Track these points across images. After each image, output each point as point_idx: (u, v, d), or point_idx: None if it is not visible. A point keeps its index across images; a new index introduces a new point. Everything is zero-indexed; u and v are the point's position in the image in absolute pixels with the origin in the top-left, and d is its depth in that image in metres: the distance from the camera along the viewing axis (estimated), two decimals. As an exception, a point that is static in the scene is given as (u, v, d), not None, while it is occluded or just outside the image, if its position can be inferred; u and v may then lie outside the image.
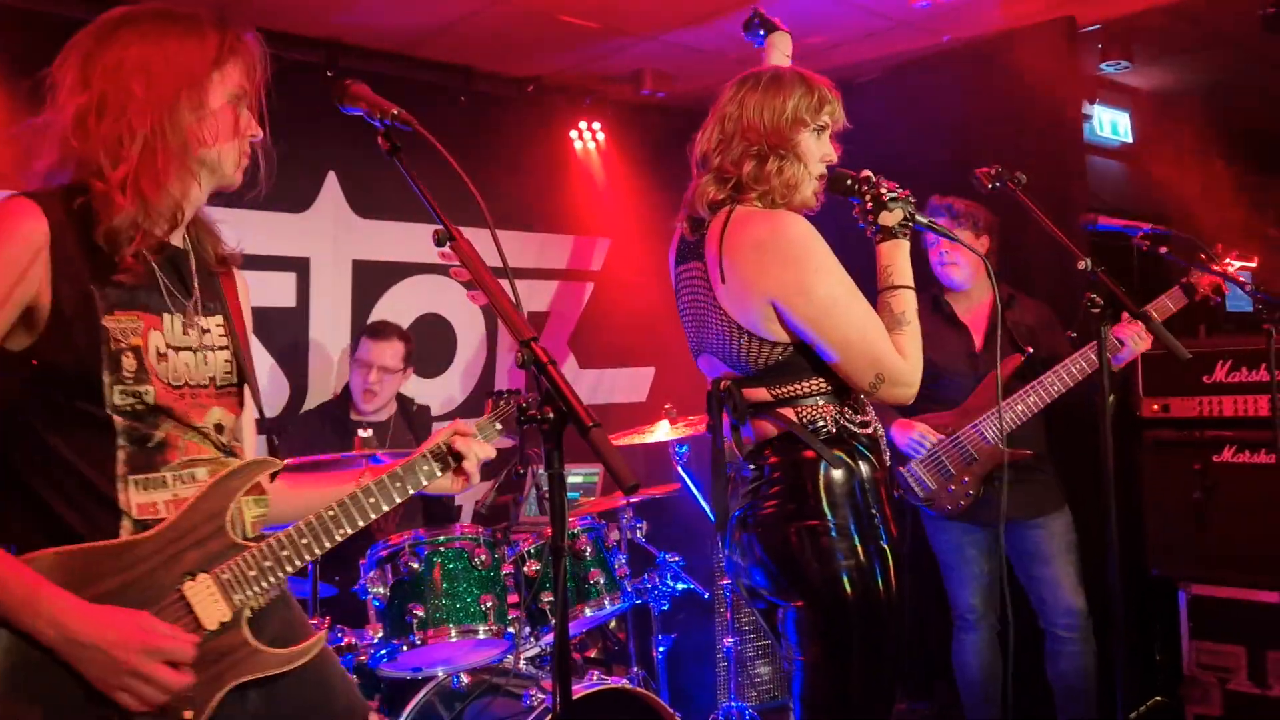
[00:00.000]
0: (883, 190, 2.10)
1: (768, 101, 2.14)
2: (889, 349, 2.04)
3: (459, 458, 1.79)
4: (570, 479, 4.43)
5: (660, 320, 5.22)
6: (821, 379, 2.09)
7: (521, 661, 3.09)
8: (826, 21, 4.14)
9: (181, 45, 1.62)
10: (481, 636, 2.89)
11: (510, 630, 2.94)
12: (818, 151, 2.17)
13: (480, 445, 1.82)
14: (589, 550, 3.14)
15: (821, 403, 2.08)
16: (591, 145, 5.01)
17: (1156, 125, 5.28)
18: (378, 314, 4.38)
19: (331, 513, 1.67)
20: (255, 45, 1.71)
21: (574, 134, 4.96)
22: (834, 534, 2.01)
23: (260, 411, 1.84)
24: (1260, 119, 5.67)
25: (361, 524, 1.69)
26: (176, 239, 1.70)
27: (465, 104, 4.52)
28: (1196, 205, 4.89)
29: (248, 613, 1.61)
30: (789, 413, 2.07)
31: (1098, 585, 3.42)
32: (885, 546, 2.05)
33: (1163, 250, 2.97)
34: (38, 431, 1.54)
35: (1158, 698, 3.93)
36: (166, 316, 1.63)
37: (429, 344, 4.45)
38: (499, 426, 1.92)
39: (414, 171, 1.63)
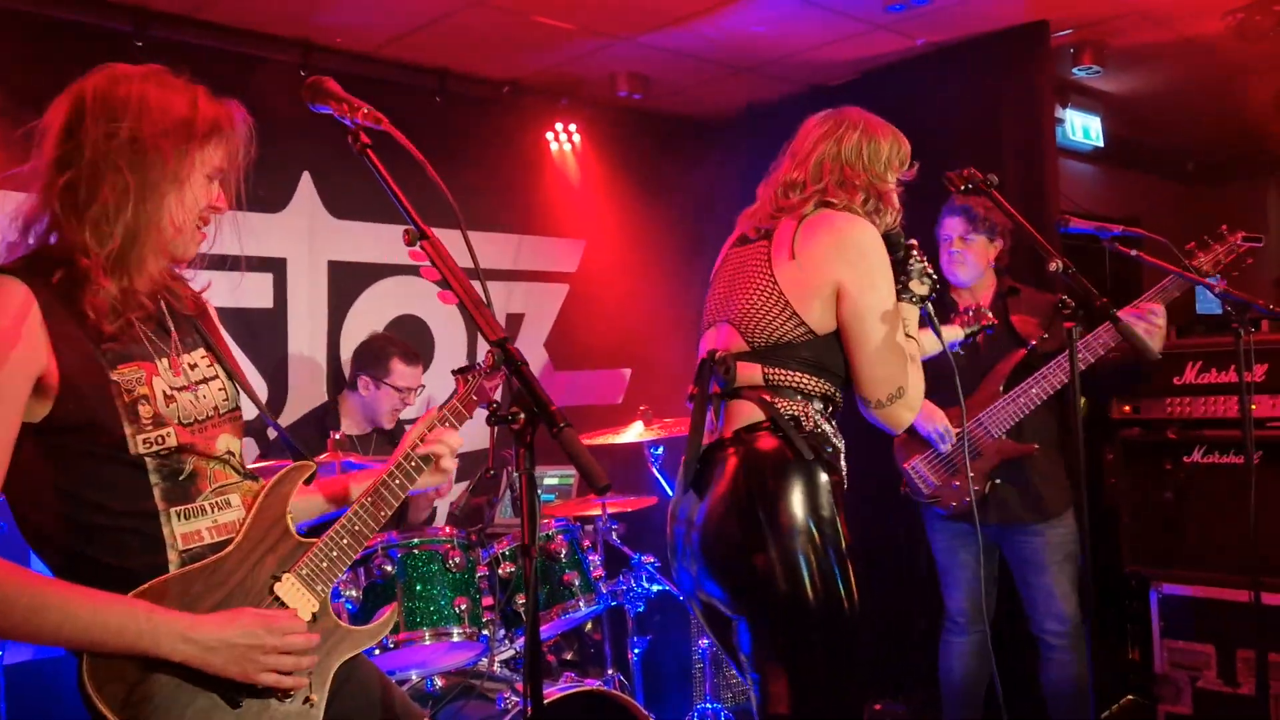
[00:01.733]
0: (924, 264, 2.23)
1: (866, 143, 2.28)
2: (909, 368, 2.14)
3: (429, 459, 1.89)
4: (546, 481, 4.42)
5: (636, 322, 5.24)
6: (818, 379, 2.15)
7: (496, 664, 3.08)
8: (800, 24, 4.15)
9: (170, 130, 1.64)
10: (456, 639, 2.87)
11: (485, 633, 2.93)
12: (894, 200, 2.30)
13: (448, 438, 1.91)
14: (564, 552, 3.14)
15: (802, 401, 2.13)
16: (568, 147, 5.00)
17: (1128, 130, 5.34)
18: (355, 315, 4.36)
19: (371, 497, 1.81)
20: (243, 125, 1.74)
21: (550, 136, 4.95)
22: (795, 532, 2.01)
23: (270, 420, 1.94)
24: (1228, 124, 5.74)
25: (395, 504, 1.84)
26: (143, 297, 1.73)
27: (441, 105, 4.51)
28: (1167, 211, 4.94)
29: (327, 601, 1.75)
30: (772, 399, 2.11)
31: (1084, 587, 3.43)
32: (845, 552, 2.04)
33: (1134, 253, 2.98)
34: (71, 494, 1.58)
35: (1130, 696, 3.96)
36: (159, 362, 1.68)
37: (406, 346, 4.42)
38: (474, 397, 1.95)
39: (385, 169, 1.62)
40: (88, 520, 1.58)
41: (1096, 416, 3.97)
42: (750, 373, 2.16)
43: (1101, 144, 5.36)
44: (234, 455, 1.77)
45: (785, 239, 2.20)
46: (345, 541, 1.77)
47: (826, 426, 2.15)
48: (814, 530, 2.02)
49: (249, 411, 1.87)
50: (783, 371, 2.14)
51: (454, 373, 2.04)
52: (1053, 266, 2.10)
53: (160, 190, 1.63)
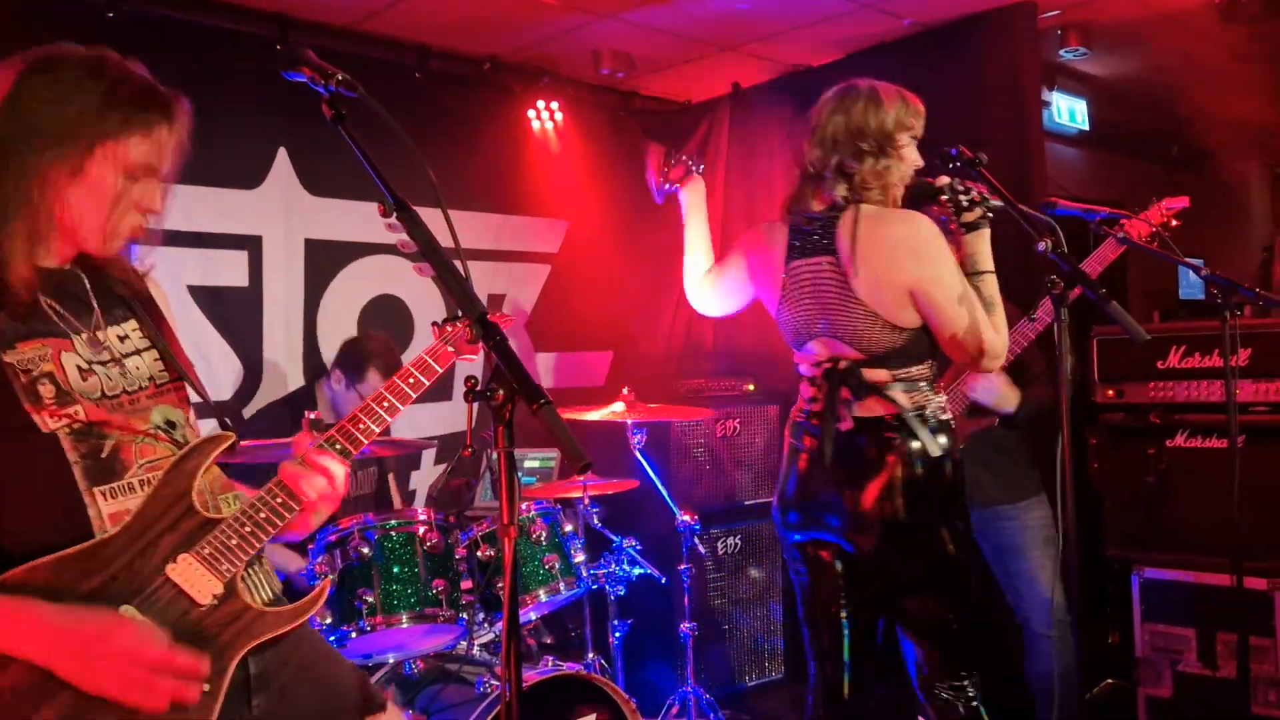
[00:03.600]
0: (960, 194, 2.35)
1: (873, 108, 2.44)
2: (989, 328, 2.34)
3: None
4: (526, 464, 4.38)
5: (619, 304, 5.20)
6: (926, 364, 2.43)
7: (475, 647, 3.05)
8: (787, 2, 4.11)
9: (76, 119, 1.57)
10: (434, 622, 2.84)
11: (463, 616, 2.90)
12: (912, 156, 2.47)
13: (312, 479, 1.70)
14: (544, 535, 3.10)
15: (923, 386, 2.41)
16: (550, 126, 4.94)
17: (1114, 113, 5.33)
18: (332, 294, 4.30)
19: (278, 485, 1.68)
20: (180, 126, 1.65)
21: (532, 114, 4.89)
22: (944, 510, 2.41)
23: (204, 397, 1.79)
24: (1216, 108, 5.73)
25: (297, 505, 1.68)
26: (65, 265, 1.67)
27: (421, 82, 4.44)
28: (1151, 193, 4.93)
29: (240, 582, 1.63)
30: (900, 395, 2.37)
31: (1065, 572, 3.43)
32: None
33: (1118, 235, 2.97)
34: None
35: (1110, 680, 3.96)
36: (75, 338, 1.61)
37: (385, 326, 4.37)
38: (451, 348, 1.81)
39: (360, 141, 1.58)
40: (14, 503, 1.52)
41: (1078, 400, 3.96)
42: (876, 375, 2.40)
43: (1087, 127, 5.34)
44: (175, 427, 1.68)
45: (847, 255, 2.38)
46: (262, 515, 1.64)
47: (935, 398, 2.43)
48: (952, 508, 2.43)
49: (224, 392, 1.81)
50: (902, 370, 2.39)
51: (433, 324, 1.87)
52: (1041, 246, 2.08)
53: (54, 179, 1.56)
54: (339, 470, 1.72)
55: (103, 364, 1.62)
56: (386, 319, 4.44)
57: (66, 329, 1.61)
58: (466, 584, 2.94)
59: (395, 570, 2.81)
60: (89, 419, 1.56)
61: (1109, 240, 3.06)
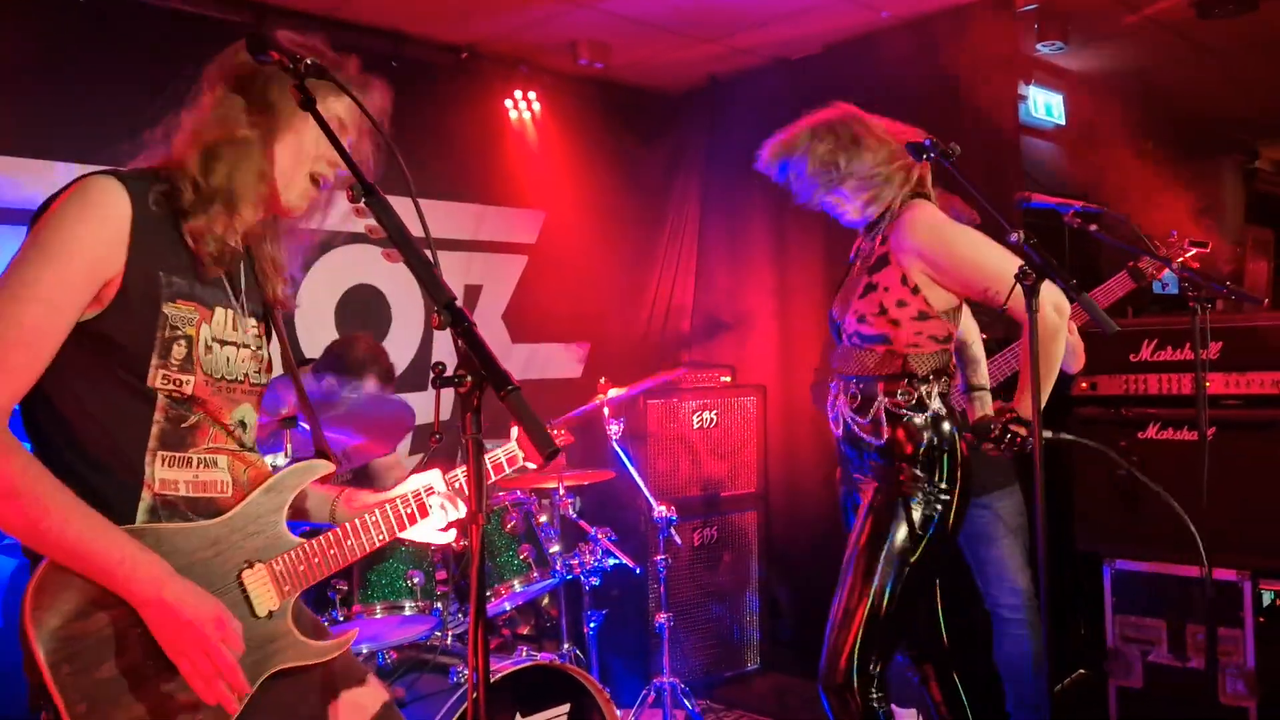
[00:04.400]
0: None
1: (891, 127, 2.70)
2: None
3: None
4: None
5: (596, 295, 5.19)
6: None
7: (450, 638, 3.04)
8: (766, -6, 4.11)
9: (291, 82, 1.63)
10: (408, 613, 2.83)
11: (438, 606, 2.89)
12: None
13: (442, 511, 1.90)
14: (519, 525, 3.10)
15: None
16: (527, 115, 4.92)
17: (1089, 107, 5.35)
18: (308, 284, 4.27)
19: (374, 518, 1.81)
20: (377, 95, 1.83)
21: (509, 103, 4.86)
22: None
23: (311, 422, 1.95)
24: (1190, 103, 5.78)
25: (396, 533, 1.84)
26: (240, 243, 1.77)
27: (396, 70, 4.41)
28: (1126, 188, 4.96)
29: (290, 604, 1.72)
30: None
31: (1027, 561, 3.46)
32: None
33: (1093, 228, 2.98)
34: (80, 396, 1.58)
35: (1082, 670, 4.00)
36: (219, 310, 1.70)
37: (362, 316, 4.35)
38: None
39: (330, 124, 1.57)
40: (84, 432, 1.57)
41: (1052, 392, 3.99)
42: None
43: (1064, 122, 5.37)
44: (245, 428, 1.76)
45: None
46: (332, 552, 1.75)
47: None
48: None
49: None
50: None
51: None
52: (1013, 238, 2.08)
53: (273, 132, 1.69)
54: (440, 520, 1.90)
55: (226, 345, 1.70)
56: (364, 308, 4.42)
57: (214, 300, 1.70)
58: (441, 575, 2.93)
59: (370, 560, 2.80)
60: (192, 393, 1.63)
61: (1121, 274, 3.09)
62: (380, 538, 1.81)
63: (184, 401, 1.64)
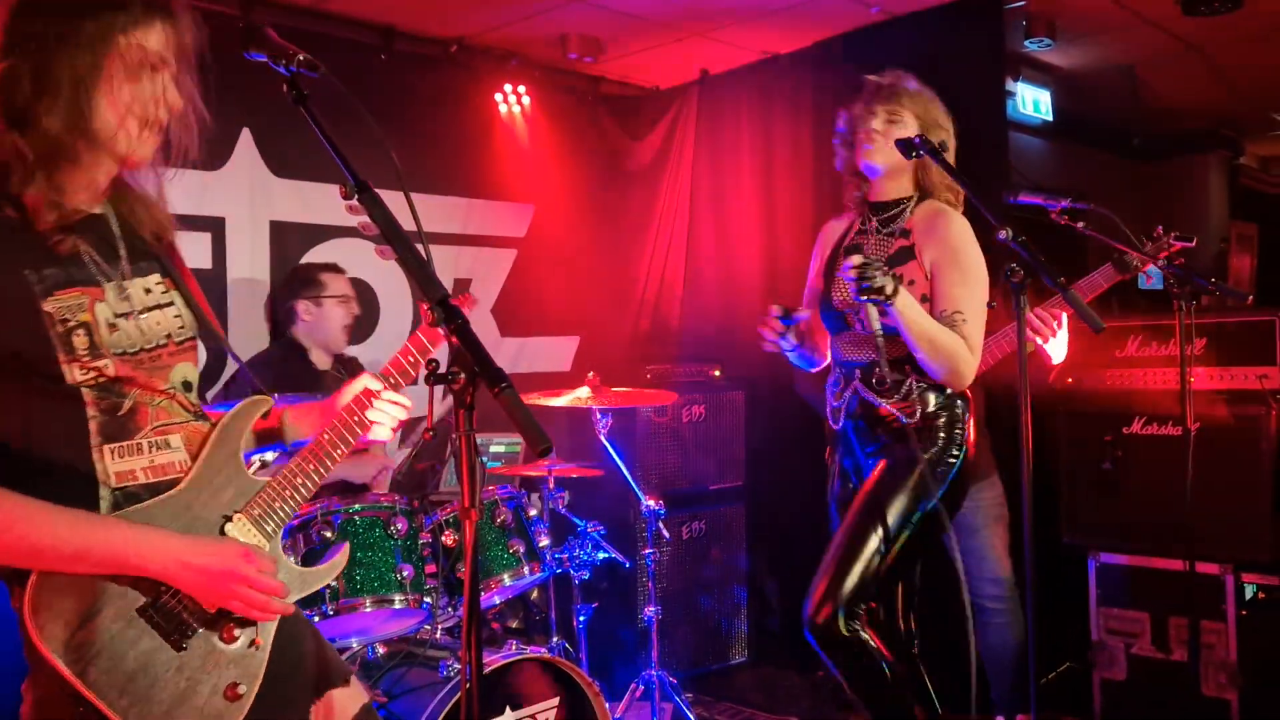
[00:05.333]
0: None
1: None
2: None
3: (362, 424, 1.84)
4: (492, 449, 4.37)
5: (585, 289, 5.20)
6: None
7: (439, 632, 3.05)
8: (756, -11, 4.11)
9: (93, 9, 1.56)
10: (397, 606, 2.83)
11: (427, 600, 2.90)
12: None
13: (390, 407, 1.86)
14: (509, 519, 3.10)
15: None
16: (517, 109, 4.91)
17: (1076, 105, 5.38)
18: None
19: (327, 436, 1.79)
20: (183, 11, 1.65)
21: (499, 97, 4.86)
22: None
23: (233, 355, 1.90)
24: (1176, 99, 5.81)
25: (352, 441, 1.81)
26: (96, 207, 1.66)
27: (386, 63, 4.40)
28: (1112, 184, 4.99)
29: (277, 542, 1.75)
30: None
31: (1013, 555, 3.49)
32: None
33: (1080, 225, 3.00)
34: (5, 415, 1.52)
35: (1067, 663, 4.03)
36: (106, 286, 1.60)
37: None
38: (415, 357, 1.89)
39: (323, 122, 1.57)
40: (22, 450, 1.53)
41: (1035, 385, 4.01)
42: None
43: (1051, 118, 5.39)
44: (190, 389, 1.72)
45: None
46: (298, 480, 1.75)
47: None
48: None
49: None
50: None
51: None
52: (1002, 235, 2.10)
53: (86, 78, 1.55)
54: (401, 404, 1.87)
55: (127, 317, 1.62)
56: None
57: (98, 275, 1.60)
58: (431, 568, 2.94)
59: (359, 554, 2.80)
60: (115, 374, 1.58)
61: (1106, 266, 3.10)
62: (339, 452, 1.79)
63: (111, 385, 1.58)
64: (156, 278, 1.70)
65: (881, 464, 2.68)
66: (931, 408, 2.66)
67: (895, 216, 2.71)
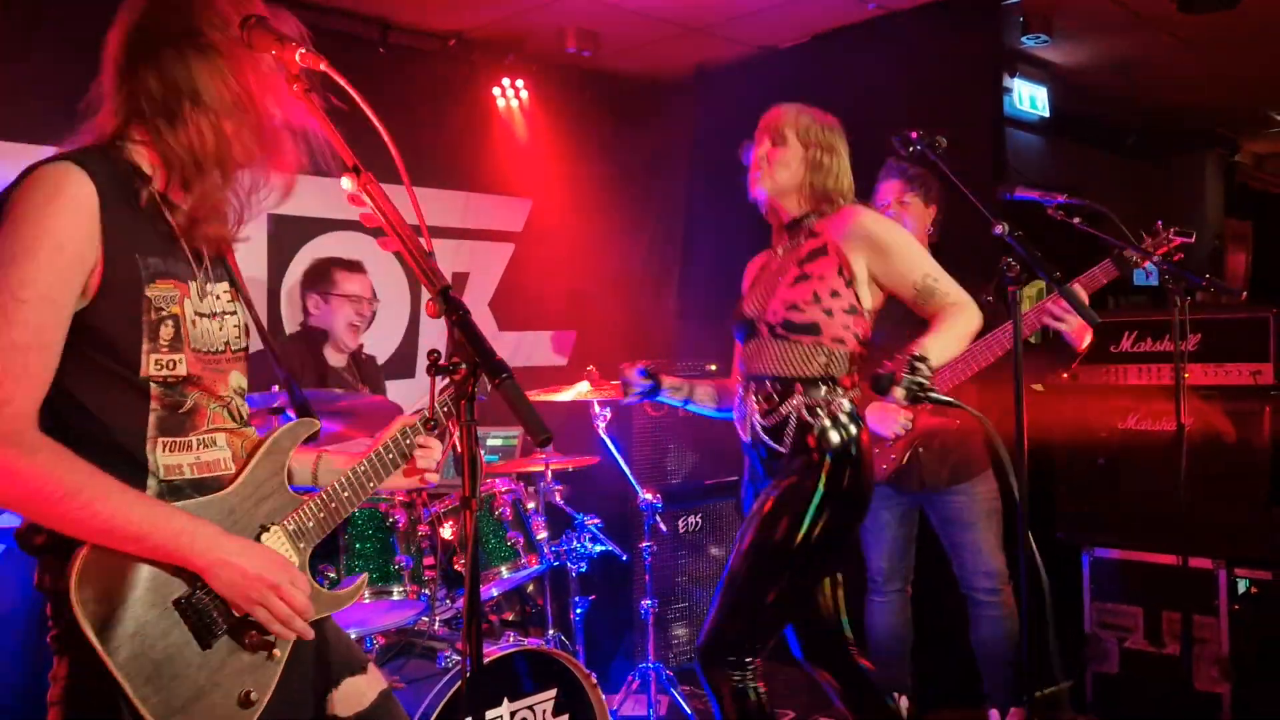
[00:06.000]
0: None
1: None
2: None
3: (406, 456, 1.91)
4: (489, 442, 4.38)
5: (583, 283, 5.20)
6: None
7: (437, 623, 3.06)
8: (754, -16, 4.12)
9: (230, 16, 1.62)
10: (396, 598, 2.85)
11: (426, 592, 2.91)
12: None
13: (433, 446, 1.94)
14: (507, 512, 3.12)
15: None
16: (515, 103, 4.92)
17: (1072, 102, 5.39)
18: (296, 269, 4.27)
19: (364, 468, 1.84)
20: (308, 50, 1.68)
21: (497, 91, 4.86)
22: None
23: (280, 371, 1.93)
24: (1173, 97, 5.83)
25: (385, 478, 1.88)
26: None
27: (384, 57, 4.40)
28: (1109, 181, 5.01)
29: (307, 560, 1.77)
30: None
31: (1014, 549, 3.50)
32: None
33: (1076, 221, 3.01)
34: (71, 392, 1.56)
35: (1066, 683, 4.03)
36: (192, 284, 1.67)
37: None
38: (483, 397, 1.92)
39: (323, 112, 1.58)
40: (80, 427, 1.56)
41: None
42: None
43: (1048, 114, 5.40)
44: (241, 395, 1.77)
45: None
46: (333, 505, 1.80)
47: None
48: None
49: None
50: None
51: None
52: (998, 230, 2.12)
53: (235, 105, 1.63)
54: (437, 449, 1.93)
55: (207, 317, 1.68)
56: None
57: (190, 273, 1.67)
58: (429, 560, 2.95)
59: (358, 546, 2.81)
60: (188, 371, 1.63)
61: (1105, 262, 3.09)
62: (372, 485, 1.86)
63: (178, 384, 1.63)
64: (225, 285, 1.77)
65: (770, 500, 2.55)
66: (812, 438, 2.52)
67: (801, 223, 2.69)
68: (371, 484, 1.85)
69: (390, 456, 1.87)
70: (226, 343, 1.73)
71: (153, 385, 1.60)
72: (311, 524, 1.77)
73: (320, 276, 3.76)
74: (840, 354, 2.56)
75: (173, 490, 1.63)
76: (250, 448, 1.76)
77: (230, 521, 1.66)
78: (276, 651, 1.68)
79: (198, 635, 1.58)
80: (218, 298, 1.74)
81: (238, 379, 1.77)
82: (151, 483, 1.61)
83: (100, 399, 1.58)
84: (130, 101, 1.62)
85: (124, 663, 1.49)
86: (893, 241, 2.53)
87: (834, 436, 2.50)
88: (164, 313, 1.60)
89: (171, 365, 1.61)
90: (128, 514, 1.51)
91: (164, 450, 1.62)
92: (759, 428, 2.62)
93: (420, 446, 1.91)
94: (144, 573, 1.55)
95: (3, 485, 1.46)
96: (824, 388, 2.54)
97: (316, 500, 1.78)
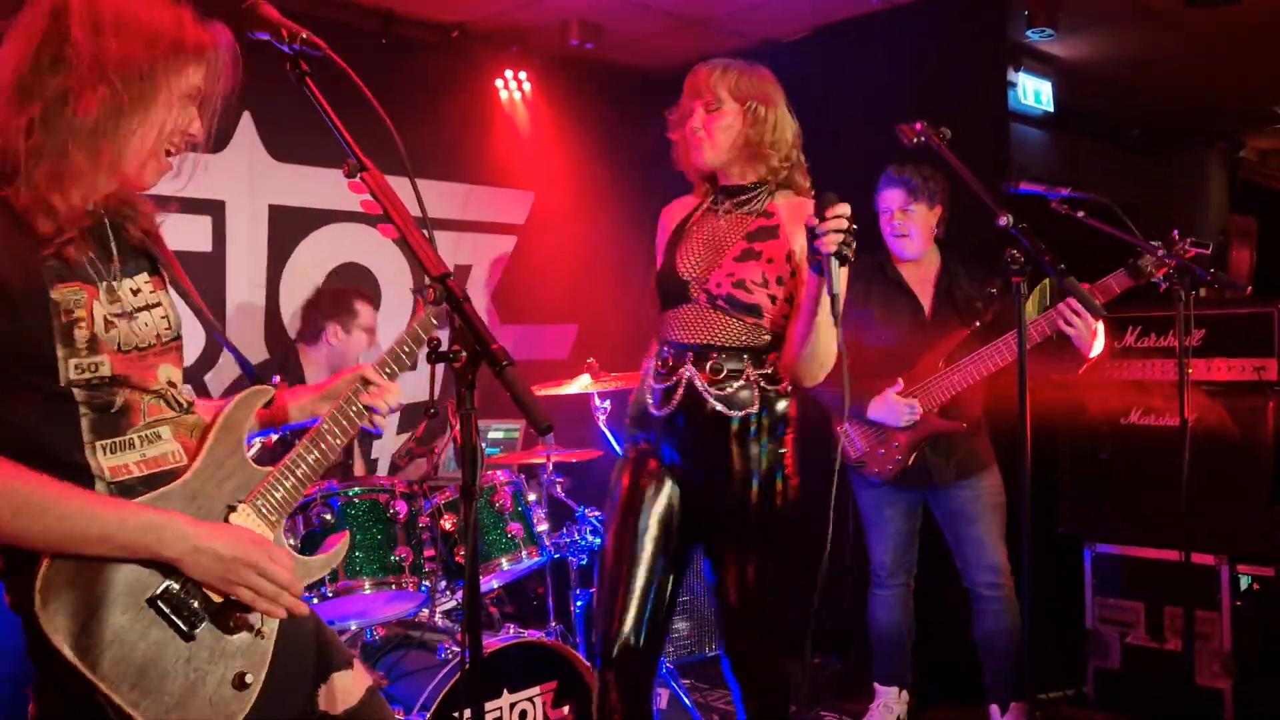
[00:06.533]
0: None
1: None
2: None
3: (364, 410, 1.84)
4: (490, 435, 4.38)
5: (584, 277, 5.19)
6: None
7: (437, 615, 3.06)
8: (758, -24, 4.10)
9: (151, 44, 1.54)
10: (396, 589, 2.85)
11: (426, 584, 2.90)
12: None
13: (388, 395, 1.85)
14: (508, 504, 3.11)
15: None
16: (517, 96, 4.90)
17: (1076, 96, 5.36)
18: (296, 261, 4.26)
19: (325, 425, 1.79)
20: (227, 53, 1.63)
21: (499, 83, 4.85)
22: None
23: (234, 351, 1.91)
24: (1178, 91, 5.80)
25: (350, 430, 1.82)
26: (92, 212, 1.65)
27: (386, 48, 4.38)
28: (1113, 175, 4.99)
29: (280, 533, 1.74)
30: None
31: (1017, 543, 3.49)
32: None
33: (1080, 214, 3.00)
34: None
35: (1071, 690, 4.02)
36: (102, 285, 1.59)
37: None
38: (434, 322, 1.89)
39: (325, 101, 1.57)
40: (13, 444, 1.49)
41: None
42: None
43: (1052, 109, 5.38)
44: (174, 386, 1.69)
45: None
46: (299, 470, 1.75)
47: None
48: None
49: (185, 360, 1.79)
50: None
51: (414, 291, 1.96)
52: (1002, 221, 2.10)
53: (130, 107, 1.53)
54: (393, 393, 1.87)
55: (119, 317, 1.60)
56: (352, 286, 4.41)
57: (94, 275, 1.59)
58: (429, 552, 2.95)
59: (358, 537, 2.81)
60: (112, 371, 1.56)
61: (1120, 272, 3.06)
62: (339, 441, 1.80)
63: (105, 385, 1.56)
64: (145, 277, 1.69)
65: (767, 475, 2.43)
66: (780, 408, 2.44)
67: (751, 199, 2.53)
68: (338, 441, 1.79)
69: (354, 409, 1.81)
70: (157, 335, 1.66)
71: (75, 390, 1.53)
72: (279, 494, 1.72)
73: (343, 307, 3.84)
74: (772, 338, 2.45)
75: (124, 491, 1.57)
76: (201, 431, 1.70)
77: (194, 507, 1.61)
78: (264, 629, 1.66)
79: (178, 629, 1.56)
80: (135, 291, 1.65)
81: (168, 372, 1.68)
82: (100, 487, 1.55)
83: (25, 412, 1.51)
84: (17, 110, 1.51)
85: (106, 672, 1.46)
86: None
87: (783, 404, 2.44)
88: (75, 314, 1.52)
89: (94, 368, 1.54)
90: (88, 517, 1.47)
91: (104, 452, 1.57)
92: (709, 395, 2.42)
93: (376, 388, 1.84)
94: (112, 576, 1.51)
95: None
96: (770, 358, 2.44)
97: (281, 470, 1.73)
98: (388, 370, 1.86)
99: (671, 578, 2.53)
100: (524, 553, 3.08)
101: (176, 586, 1.56)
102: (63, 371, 1.51)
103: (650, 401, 2.53)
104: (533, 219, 5.12)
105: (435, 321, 1.84)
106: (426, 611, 3.03)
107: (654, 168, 5.36)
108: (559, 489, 3.52)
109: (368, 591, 2.81)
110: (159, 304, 1.69)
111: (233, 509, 1.67)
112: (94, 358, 1.54)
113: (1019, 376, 2.19)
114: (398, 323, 4.56)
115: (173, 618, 1.55)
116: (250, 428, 1.76)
